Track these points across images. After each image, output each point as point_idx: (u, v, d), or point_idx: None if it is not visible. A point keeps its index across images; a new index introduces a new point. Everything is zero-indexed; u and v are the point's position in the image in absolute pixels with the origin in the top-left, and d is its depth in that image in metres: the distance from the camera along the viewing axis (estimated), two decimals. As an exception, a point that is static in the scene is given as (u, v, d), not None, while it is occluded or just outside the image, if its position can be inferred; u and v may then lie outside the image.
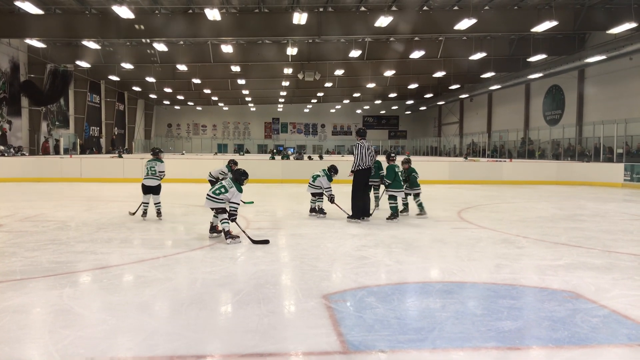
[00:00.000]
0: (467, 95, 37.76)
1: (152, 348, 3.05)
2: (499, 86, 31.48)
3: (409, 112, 53.41)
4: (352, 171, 8.34)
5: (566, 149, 26.20)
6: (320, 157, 30.27)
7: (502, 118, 36.45)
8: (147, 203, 8.29)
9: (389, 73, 30.21)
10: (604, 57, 21.36)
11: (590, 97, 26.43)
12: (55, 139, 27.98)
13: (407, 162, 9.27)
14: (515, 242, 6.65)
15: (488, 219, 8.87)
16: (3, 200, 11.09)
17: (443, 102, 43.85)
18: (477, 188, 15.72)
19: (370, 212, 8.58)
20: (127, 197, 11.62)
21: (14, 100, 24.13)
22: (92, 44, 22.17)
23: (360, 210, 8.23)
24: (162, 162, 8.64)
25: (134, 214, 8.52)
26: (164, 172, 8.54)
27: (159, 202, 8.31)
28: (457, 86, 35.48)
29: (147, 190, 8.24)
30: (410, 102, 48.81)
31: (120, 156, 23.01)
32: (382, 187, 9.36)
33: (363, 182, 8.29)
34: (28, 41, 21.92)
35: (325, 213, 8.90)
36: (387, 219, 8.39)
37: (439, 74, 29.72)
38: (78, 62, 25.74)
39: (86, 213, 9.03)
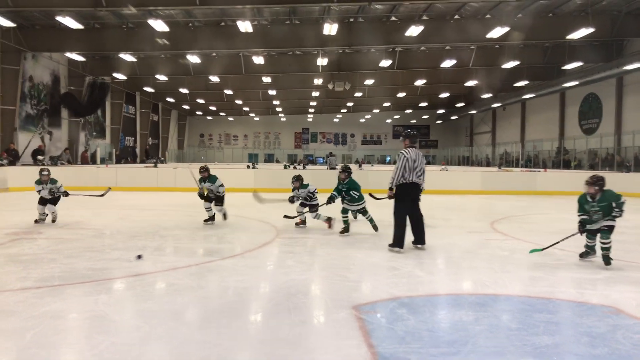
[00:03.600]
0: (499, 104, 37.12)
1: (184, 356, 3.08)
2: (532, 95, 30.85)
3: (440, 122, 52.85)
4: (389, 188, 6.62)
5: (604, 158, 25.42)
6: (360, 166, 30.34)
7: (536, 127, 35.68)
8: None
9: (419, 82, 30.03)
10: (643, 64, 20.71)
11: (629, 105, 25.60)
12: (86, 148, 28.73)
13: (345, 171, 8.26)
14: (552, 254, 6.45)
15: (522, 230, 8.66)
16: (43, 208, 11.43)
17: (475, 111, 43.22)
18: (510, 199, 15.39)
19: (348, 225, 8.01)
20: (161, 205, 11.84)
21: (54, 111, 25.00)
22: (128, 57, 22.82)
23: (401, 236, 6.51)
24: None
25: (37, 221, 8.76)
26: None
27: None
28: (490, 95, 34.94)
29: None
30: (441, 111, 48.33)
31: (155, 165, 23.49)
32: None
33: (407, 200, 6.57)
34: (68, 55, 22.74)
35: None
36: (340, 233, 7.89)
37: (471, 83, 29.34)
38: (115, 75, 26.52)
39: (121, 221, 9.24)
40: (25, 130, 22.23)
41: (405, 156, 6.44)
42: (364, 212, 8.21)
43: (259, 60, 22.99)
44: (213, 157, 51.37)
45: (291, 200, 8.44)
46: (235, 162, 46.12)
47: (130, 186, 17.08)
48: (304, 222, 8.64)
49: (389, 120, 53.75)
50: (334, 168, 23.14)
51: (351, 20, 20.82)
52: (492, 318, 3.92)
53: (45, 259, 5.84)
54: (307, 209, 8.41)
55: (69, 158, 23.76)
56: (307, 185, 8.42)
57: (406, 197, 6.54)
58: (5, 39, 20.26)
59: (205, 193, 8.87)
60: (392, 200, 6.65)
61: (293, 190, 8.49)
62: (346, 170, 8.26)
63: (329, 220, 8.35)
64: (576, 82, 25.94)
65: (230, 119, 52.75)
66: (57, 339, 3.38)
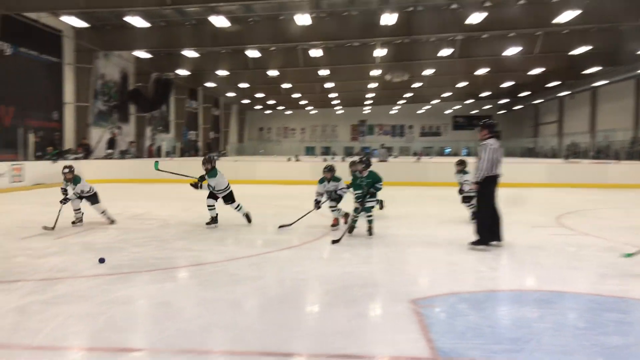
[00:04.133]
0: (567, 93, 35.31)
1: (244, 343, 3.17)
2: (605, 82, 29.10)
3: (503, 112, 50.96)
4: (475, 182, 6.19)
5: (685, 149, 23.61)
6: (418, 159, 29.87)
7: (607, 116, 33.63)
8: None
9: (481, 71, 29.07)
10: None
11: None
12: (152, 142, 29.98)
13: (363, 162, 7.27)
14: (624, 250, 6.08)
15: (591, 225, 8.21)
16: (113, 200, 12.07)
17: (541, 100, 41.35)
18: (578, 192, 14.63)
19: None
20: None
21: (123, 107, 26.34)
22: (190, 53, 23.56)
23: (488, 232, 6.21)
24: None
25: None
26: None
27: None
28: (557, 83, 33.28)
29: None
30: (504, 100, 46.60)
31: (217, 159, 24.16)
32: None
33: (491, 194, 6.22)
34: (136, 53, 23.80)
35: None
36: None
37: (536, 71, 28.06)
38: (178, 71, 27.49)
39: (184, 212, 9.60)
40: (97, 126, 23.51)
41: (490, 147, 6.06)
42: (368, 209, 7.04)
43: (316, 53, 23.07)
44: (272, 150, 52.26)
45: (318, 205, 7.48)
46: (292, 155, 46.66)
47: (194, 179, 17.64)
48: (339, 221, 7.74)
49: (448, 111, 52.45)
50: (385, 160, 22.83)
51: (410, 9, 20.43)
52: (558, 316, 3.76)
53: (115, 247, 6.17)
54: (337, 205, 7.57)
55: (135, 151, 24.97)
56: (340, 179, 7.55)
57: (491, 191, 6.20)
58: (79, 40, 21.46)
59: (200, 185, 7.71)
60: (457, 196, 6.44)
61: (321, 182, 7.53)
62: (364, 162, 7.18)
63: (346, 216, 7.56)
64: (654, 67, 24.20)
65: (288, 112, 53.40)
66: (128, 324, 3.57)
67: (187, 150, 35.10)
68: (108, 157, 21.63)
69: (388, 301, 4.08)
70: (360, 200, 6.93)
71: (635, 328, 3.56)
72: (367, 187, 6.97)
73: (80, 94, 22.06)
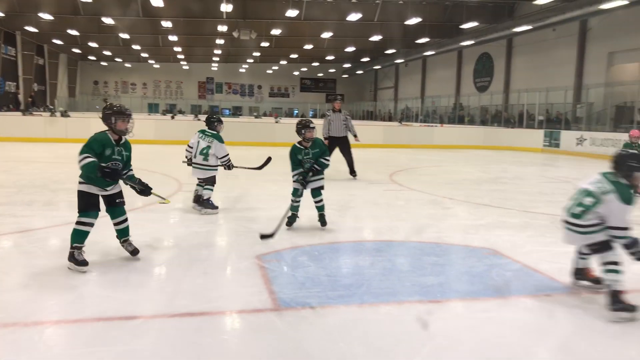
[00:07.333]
0: (402, 60, 38.26)
1: (78, 311, 2.99)
2: (433, 52, 32.09)
3: (346, 76, 53.46)
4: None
5: (493, 115, 27.40)
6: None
7: (435, 84, 37.39)
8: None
9: (326, 35, 29.96)
10: (529, 27, 22.26)
11: (516, 65, 27.65)
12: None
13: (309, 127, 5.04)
14: (442, 203, 6.99)
15: (418, 182, 9.23)
16: None
17: (379, 67, 44.19)
18: (409, 152, 16.22)
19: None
20: (51, 158, 11.03)
21: None
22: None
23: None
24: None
25: None
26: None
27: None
28: (393, 51, 35.82)
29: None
30: (347, 65, 48.82)
31: (64, 114, 21.03)
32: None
33: None
34: None
35: (216, 207, 5.78)
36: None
37: (376, 38, 29.82)
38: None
39: (4, 174, 8.48)
40: None
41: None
42: (318, 192, 5.21)
43: (157, 2, 21.51)
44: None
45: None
46: (134, 112, 43.54)
47: (14, 136, 15.59)
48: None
49: (296, 73, 53.34)
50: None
51: (257, -35, 20.06)
52: (386, 262, 4.21)
53: None
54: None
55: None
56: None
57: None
58: None
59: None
60: None
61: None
62: (309, 126, 5.01)
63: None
64: (471, 42, 27.34)
65: (128, 65, 49.35)
66: None
67: (6, 104, 30.67)
68: None
69: (234, 258, 4.16)
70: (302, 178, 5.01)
71: (446, 268, 4.16)
72: (311, 160, 5.04)
73: None
